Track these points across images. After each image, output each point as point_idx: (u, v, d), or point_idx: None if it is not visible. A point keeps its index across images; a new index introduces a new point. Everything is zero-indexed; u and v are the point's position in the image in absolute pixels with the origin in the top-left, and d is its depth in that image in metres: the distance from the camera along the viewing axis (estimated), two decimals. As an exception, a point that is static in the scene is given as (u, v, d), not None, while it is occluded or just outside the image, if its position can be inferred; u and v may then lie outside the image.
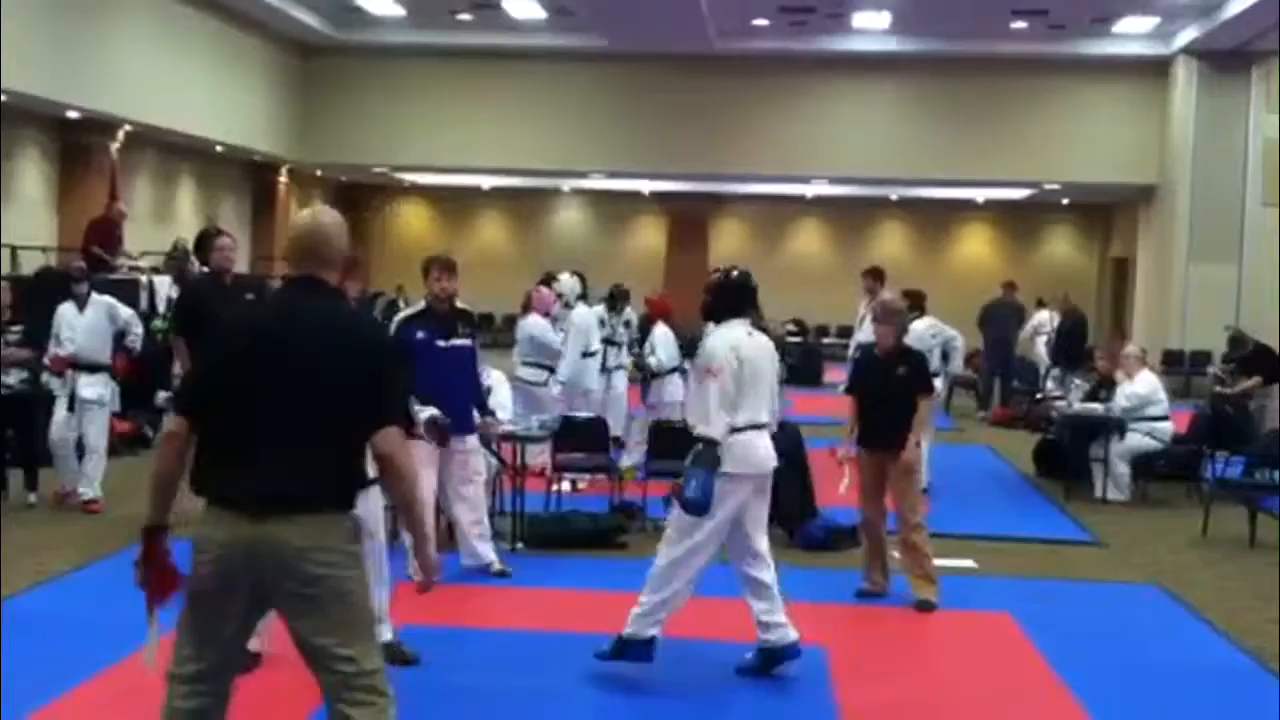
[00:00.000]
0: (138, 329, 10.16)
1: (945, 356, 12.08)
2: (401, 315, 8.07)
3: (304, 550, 3.70)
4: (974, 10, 21.65)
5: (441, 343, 7.69)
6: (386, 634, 6.20)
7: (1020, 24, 22.69)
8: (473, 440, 7.95)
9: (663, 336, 12.62)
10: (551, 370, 12.06)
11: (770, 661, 6.19)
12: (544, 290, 12.97)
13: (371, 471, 6.00)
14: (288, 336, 3.84)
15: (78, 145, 18.95)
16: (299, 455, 3.73)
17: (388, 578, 6.26)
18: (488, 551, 8.11)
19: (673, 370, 12.50)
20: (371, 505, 6.25)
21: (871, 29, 23.70)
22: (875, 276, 12.94)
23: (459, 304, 8.04)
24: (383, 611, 6.17)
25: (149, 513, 3.86)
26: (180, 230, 19.27)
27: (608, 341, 14.98)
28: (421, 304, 7.97)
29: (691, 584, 6.10)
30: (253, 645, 6.56)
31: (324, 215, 4.07)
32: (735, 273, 6.37)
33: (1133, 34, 23.08)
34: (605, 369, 13.22)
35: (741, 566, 6.21)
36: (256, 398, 3.77)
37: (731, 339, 6.06)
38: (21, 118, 17.81)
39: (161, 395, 10.67)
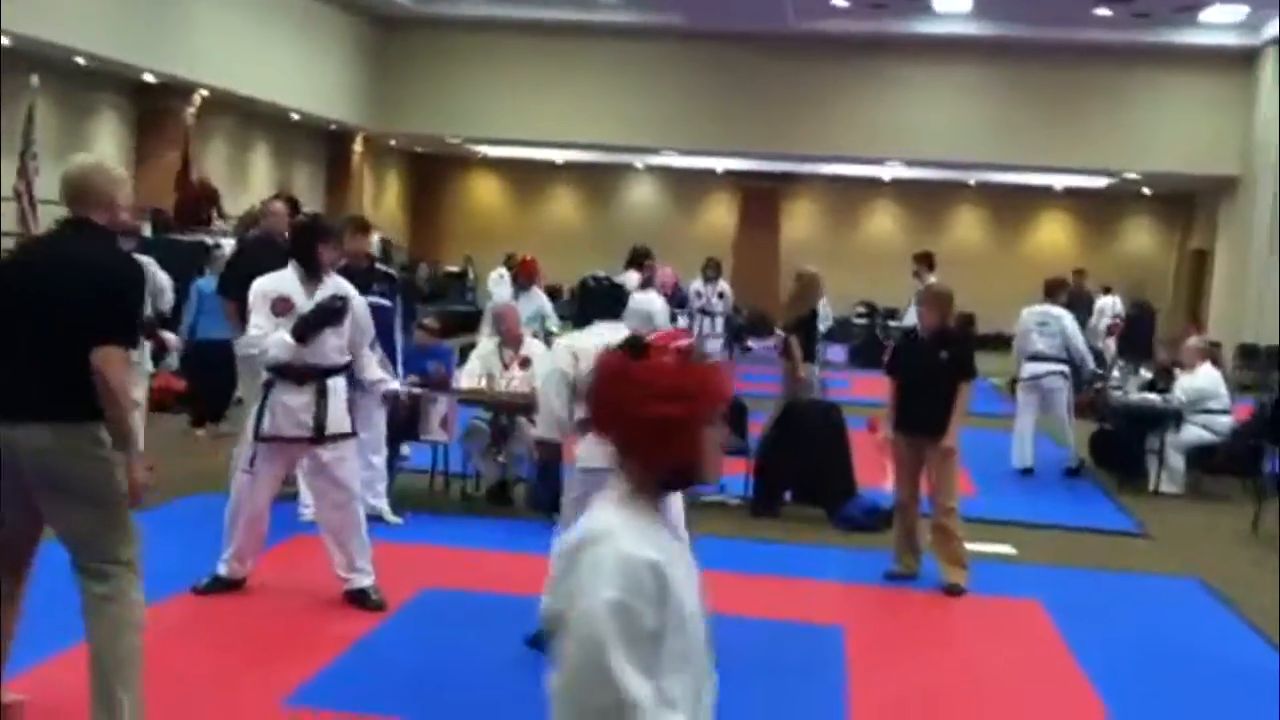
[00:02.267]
0: (169, 295, 10.27)
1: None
2: None
3: (43, 451, 4.30)
4: (1057, -4, 21.31)
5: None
6: (364, 581, 6.56)
7: (1104, 11, 22.26)
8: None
9: (548, 303, 11.78)
10: None
11: None
12: (667, 269, 12.93)
13: (346, 426, 6.15)
14: (42, 269, 4.47)
15: (154, 109, 19.23)
16: (39, 370, 4.30)
17: (365, 532, 6.61)
18: (379, 503, 8.25)
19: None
20: (351, 467, 6.60)
21: (953, 12, 23.42)
22: (921, 261, 13.04)
23: (381, 266, 8.63)
24: (361, 560, 6.57)
25: None
26: (255, 197, 19.51)
27: (703, 311, 15.07)
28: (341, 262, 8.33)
29: None
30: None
31: (83, 163, 4.61)
32: (596, 279, 6.42)
33: (1219, 24, 22.57)
34: (700, 336, 13.41)
35: None
36: (14, 322, 4.38)
37: (574, 340, 6.06)
38: (99, 81, 18.13)
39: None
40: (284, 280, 6.51)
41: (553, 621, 2.35)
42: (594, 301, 6.27)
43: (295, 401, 6.42)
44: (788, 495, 9.56)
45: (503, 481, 9.28)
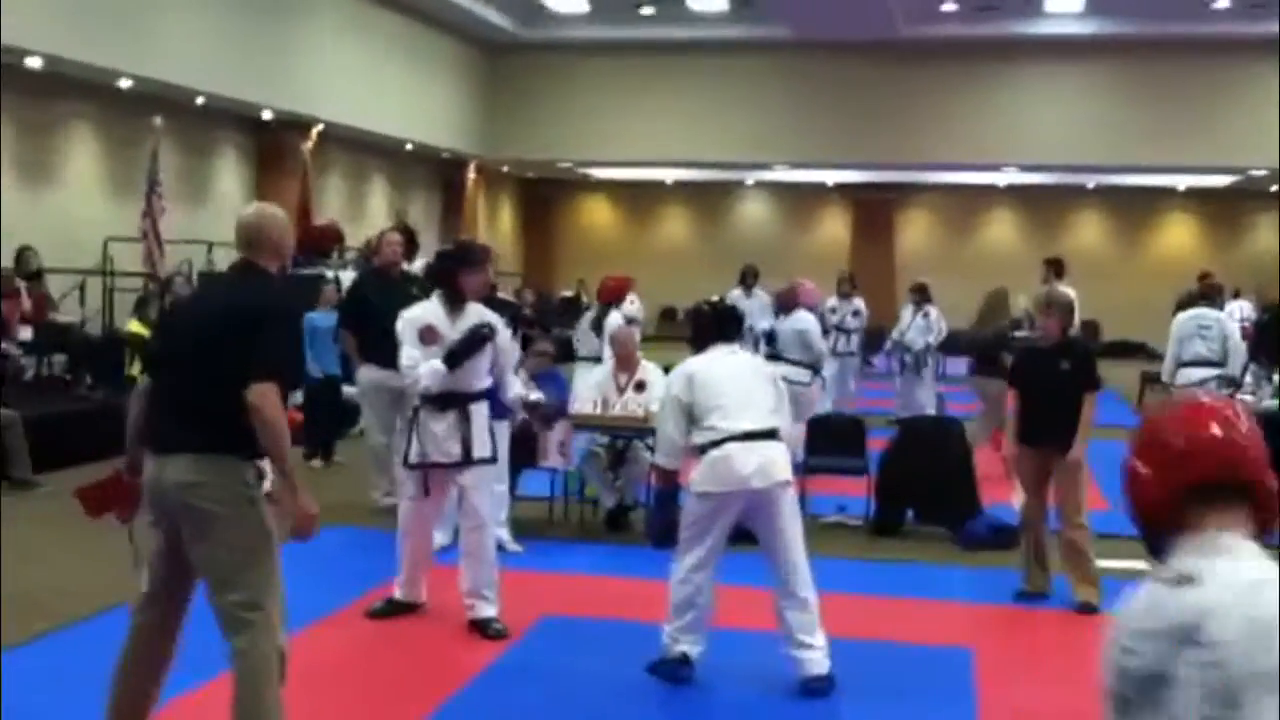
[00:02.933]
0: None
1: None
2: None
3: (185, 486, 4.34)
4: (1172, -10, 20.84)
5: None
6: (487, 610, 6.61)
7: (1221, 3, 21.72)
8: None
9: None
10: (815, 370, 11.81)
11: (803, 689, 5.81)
12: (809, 284, 12.65)
13: (488, 450, 6.17)
14: (201, 309, 4.71)
15: (273, 145, 19.62)
16: (191, 405, 4.40)
17: (494, 562, 6.69)
18: (501, 531, 8.10)
19: None
20: (485, 495, 6.70)
21: (1064, 12, 23.04)
22: (1051, 266, 12.85)
23: (501, 294, 8.83)
24: (487, 589, 6.62)
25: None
26: (372, 228, 19.80)
27: (837, 328, 15.03)
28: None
29: (704, 605, 5.91)
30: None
31: (256, 210, 4.82)
32: (710, 304, 6.37)
33: (1345, 10, 21.85)
34: (835, 353, 13.37)
35: (774, 583, 5.93)
36: (172, 359, 4.59)
37: (690, 366, 6.00)
38: (218, 120, 18.58)
39: (346, 388, 11.23)
40: (430, 310, 6.73)
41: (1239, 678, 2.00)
42: (709, 326, 6.22)
43: (440, 427, 6.58)
44: (910, 514, 9.41)
45: (620, 506, 9.26)
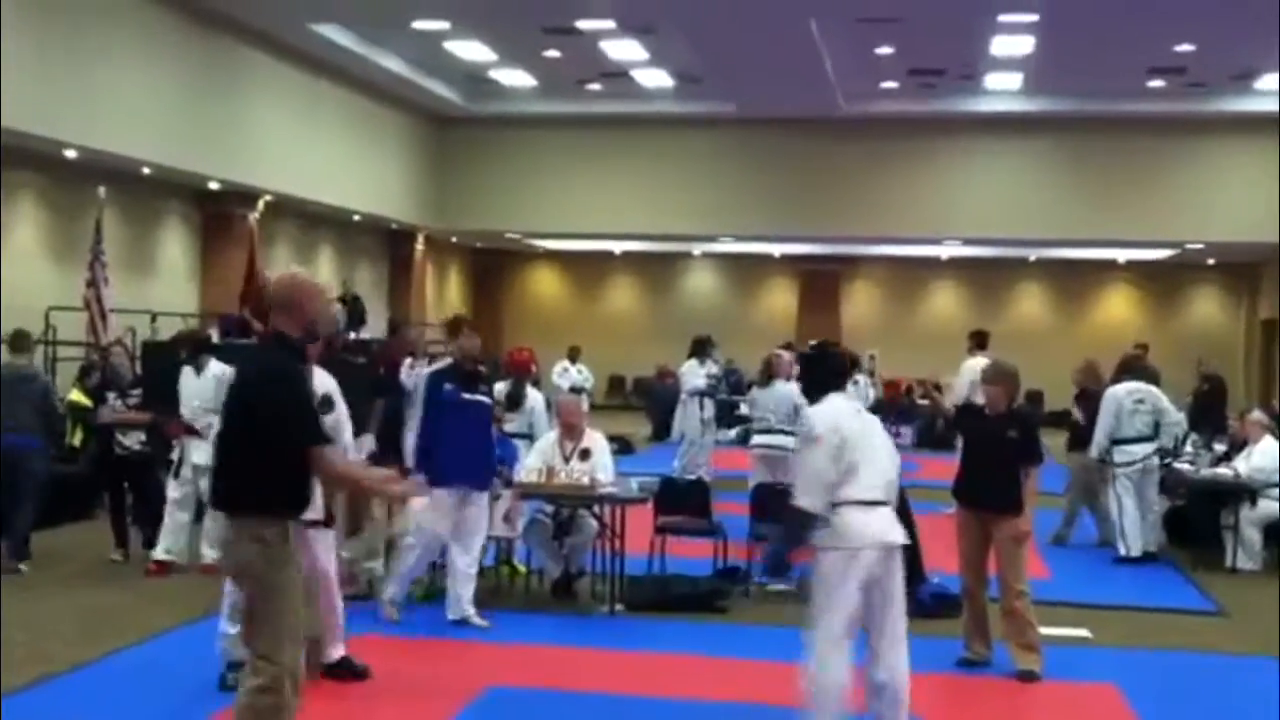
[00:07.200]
0: None
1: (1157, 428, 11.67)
2: (432, 369, 8.61)
3: (228, 543, 4.74)
4: (1109, 70, 21.26)
5: (467, 395, 8.29)
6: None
7: (1158, 82, 22.23)
8: (485, 494, 8.40)
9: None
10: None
11: None
12: (786, 355, 12.88)
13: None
14: (238, 378, 4.95)
15: (219, 215, 19.61)
16: (228, 469, 4.75)
17: None
18: (468, 604, 8.29)
19: None
20: None
21: (1004, 89, 23.46)
22: (974, 339, 13.30)
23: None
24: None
25: None
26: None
27: None
28: (449, 360, 8.61)
29: (841, 665, 5.90)
30: None
31: (282, 274, 5.09)
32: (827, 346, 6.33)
33: (1275, 90, 22.40)
34: None
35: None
36: (222, 427, 4.97)
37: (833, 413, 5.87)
38: (164, 190, 18.54)
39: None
40: None
41: None
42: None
43: None
44: (855, 582, 9.41)
45: (566, 575, 9.24)
